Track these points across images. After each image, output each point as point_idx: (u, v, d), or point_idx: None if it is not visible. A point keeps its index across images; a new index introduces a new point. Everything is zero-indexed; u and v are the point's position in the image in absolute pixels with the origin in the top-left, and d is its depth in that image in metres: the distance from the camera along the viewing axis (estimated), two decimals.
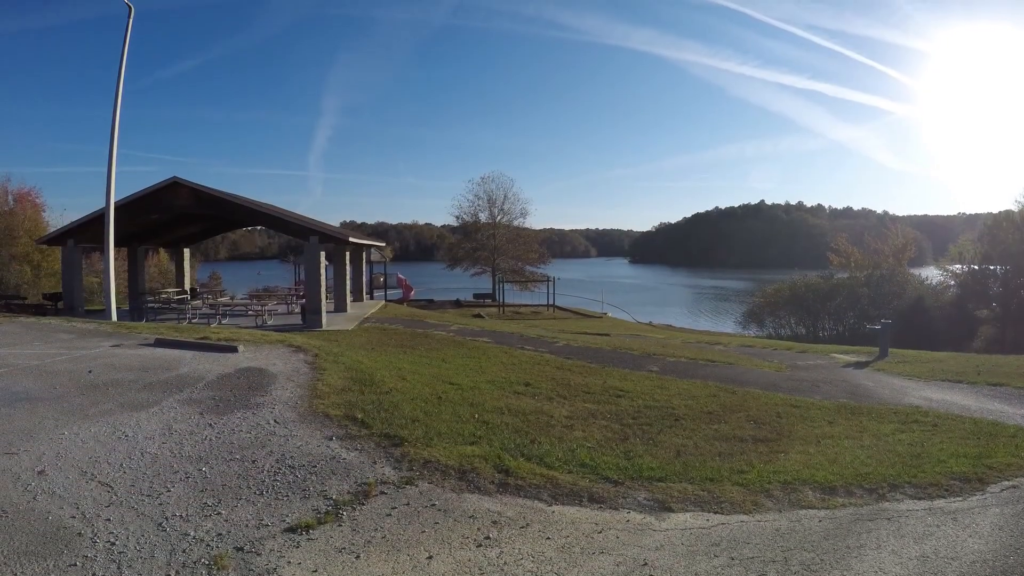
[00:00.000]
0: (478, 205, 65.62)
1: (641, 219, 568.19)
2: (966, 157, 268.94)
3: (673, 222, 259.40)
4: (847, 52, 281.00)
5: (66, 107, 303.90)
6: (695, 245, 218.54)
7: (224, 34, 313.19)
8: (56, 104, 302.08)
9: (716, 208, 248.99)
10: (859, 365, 18.71)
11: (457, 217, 68.62)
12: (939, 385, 15.40)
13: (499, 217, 64.90)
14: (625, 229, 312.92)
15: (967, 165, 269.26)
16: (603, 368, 16.28)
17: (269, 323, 24.63)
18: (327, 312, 24.86)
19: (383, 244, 48.48)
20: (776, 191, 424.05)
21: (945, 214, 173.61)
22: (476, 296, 55.29)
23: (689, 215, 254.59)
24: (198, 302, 28.55)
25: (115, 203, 21.89)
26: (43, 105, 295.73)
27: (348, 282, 31.20)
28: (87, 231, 24.85)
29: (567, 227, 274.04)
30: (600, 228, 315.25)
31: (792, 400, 12.87)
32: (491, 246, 63.36)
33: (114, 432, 7.96)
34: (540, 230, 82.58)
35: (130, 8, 21.55)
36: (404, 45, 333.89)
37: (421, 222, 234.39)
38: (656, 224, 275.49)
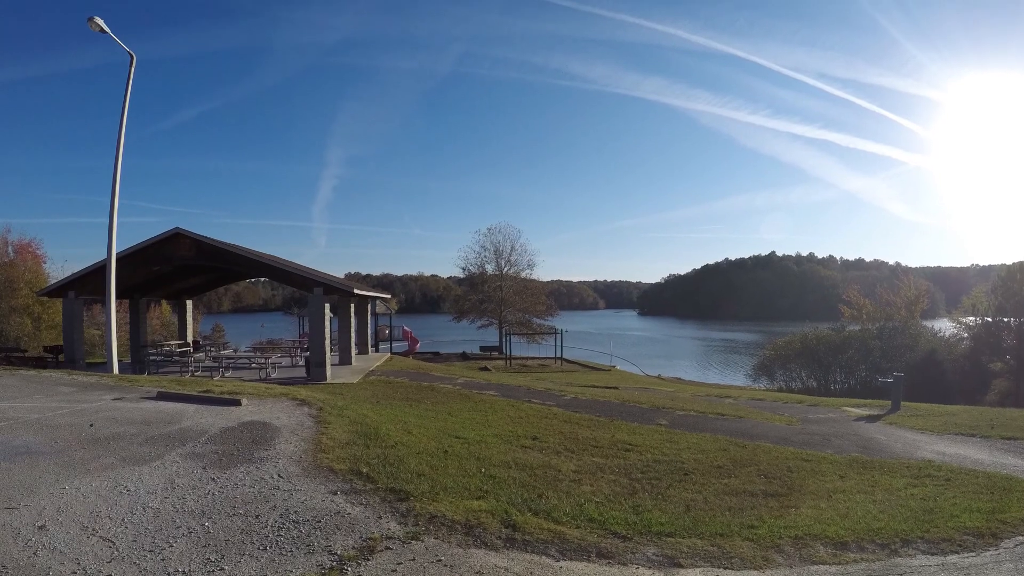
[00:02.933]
0: (484, 256, 65.56)
1: (650, 271, 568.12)
2: (979, 208, 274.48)
3: (682, 273, 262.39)
4: (859, 101, 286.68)
5: (68, 157, 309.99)
6: (704, 297, 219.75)
7: (227, 83, 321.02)
8: (58, 154, 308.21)
9: (726, 259, 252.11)
10: (871, 419, 18.62)
11: (463, 268, 68.41)
12: (952, 439, 15.31)
13: (506, 268, 64.72)
14: (634, 281, 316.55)
15: (980, 216, 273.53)
16: (611, 422, 16.22)
17: (273, 376, 24.47)
18: (332, 365, 24.57)
19: (388, 296, 48.29)
20: (787, 242, 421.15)
21: (958, 266, 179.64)
22: (483, 348, 55.11)
23: (699, 266, 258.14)
24: (201, 355, 28.30)
25: (117, 254, 21.71)
26: (44, 155, 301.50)
27: (353, 334, 30.98)
28: (88, 282, 24.83)
29: (575, 278, 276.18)
30: (608, 280, 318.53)
31: (803, 454, 12.81)
32: (498, 298, 63.19)
33: (116, 486, 7.85)
34: (547, 282, 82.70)
35: (132, 57, 21.58)
36: (409, 94, 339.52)
37: (427, 274, 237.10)
38: (665, 276, 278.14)
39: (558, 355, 50.25)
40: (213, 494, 7.80)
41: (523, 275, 65.55)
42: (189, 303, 36.04)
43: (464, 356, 51.57)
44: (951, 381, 38.34)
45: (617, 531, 7.54)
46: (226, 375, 23.82)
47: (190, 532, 6.65)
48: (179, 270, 29.40)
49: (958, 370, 41.18)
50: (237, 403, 13.48)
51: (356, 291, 27.89)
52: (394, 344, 46.36)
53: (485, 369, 38.71)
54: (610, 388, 26.20)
